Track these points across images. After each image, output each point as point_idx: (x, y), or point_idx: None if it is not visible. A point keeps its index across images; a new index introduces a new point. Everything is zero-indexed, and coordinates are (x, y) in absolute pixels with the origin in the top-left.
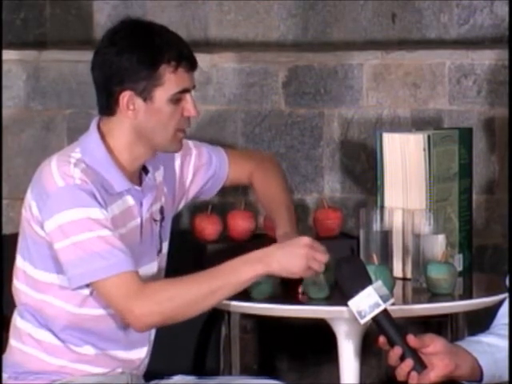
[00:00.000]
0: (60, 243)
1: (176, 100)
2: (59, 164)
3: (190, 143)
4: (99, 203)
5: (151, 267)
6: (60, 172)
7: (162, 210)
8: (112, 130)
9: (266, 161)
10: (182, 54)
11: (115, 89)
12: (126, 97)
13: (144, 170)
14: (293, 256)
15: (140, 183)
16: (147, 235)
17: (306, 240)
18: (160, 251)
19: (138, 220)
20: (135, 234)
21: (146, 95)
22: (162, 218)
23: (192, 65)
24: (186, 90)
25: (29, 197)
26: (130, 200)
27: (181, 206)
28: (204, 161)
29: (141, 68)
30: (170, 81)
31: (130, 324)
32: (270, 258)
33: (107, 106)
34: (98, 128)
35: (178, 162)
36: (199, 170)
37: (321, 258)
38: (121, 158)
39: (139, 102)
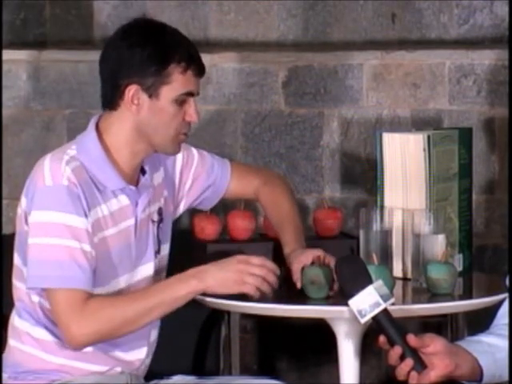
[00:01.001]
0: (31, 239)
1: (180, 102)
2: (52, 161)
3: (194, 149)
4: (83, 209)
5: (148, 268)
6: (51, 170)
7: (160, 212)
8: (111, 125)
9: (275, 178)
10: (193, 57)
11: (122, 81)
12: (132, 90)
13: (142, 171)
14: (227, 271)
15: (137, 184)
16: (143, 235)
17: (239, 256)
18: (158, 252)
19: (133, 220)
20: (128, 234)
21: (152, 91)
22: (161, 220)
23: (200, 70)
24: (191, 94)
25: (23, 192)
26: (124, 199)
27: (180, 210)
28: (205, 168)
29: (151, 64)
30: (178, 81)
31: (66, 341)
32: (205, 274)
33: (111, 99)
34: (97, 127)
35: (178, 166)
36: (199, 176)
37: (258, 272)
38: (118, 156)
39: (144, 97)
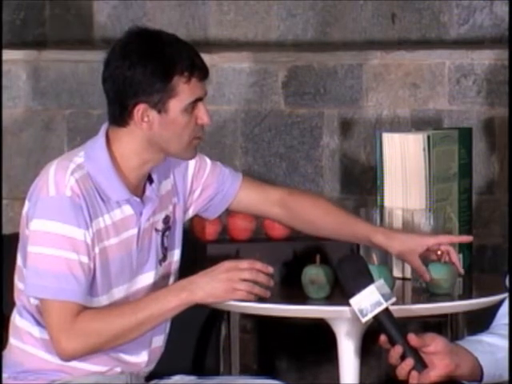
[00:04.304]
0: (31, 247)
1: (190, 109)
2: (57, 170)
3: (208, 159)
4: (84, 220)
5: (148, 277)
6: (55, 179)
7: (167, 220)
8: (122, 137)
9: (307, 190)
10: (195, 64)
11: (129, 102)
12: (140, 110)
13: (149, 179)
14: (215, 281)
15: (143, 193)
16: (145, 245)
17: (227, 264)
18: (164, 260)
19: (136, 230)
20: (130, 244)
21: (160, 107)
22: (168, 228)
23: (205, 74)
24: (199, 99)
25: (28, 195)
26: (129, 209)
27: (188, 216)
28: (216, 177)
29: (155, 81)
30: (184, 91)
31: (56, 352)
32: (194, 286)
33: (120, 118)
34: (107, 134)
35: (190, 174)
36: (209, 185)
37: (248, 276)
38: (126, 166)
39: (153, 114)
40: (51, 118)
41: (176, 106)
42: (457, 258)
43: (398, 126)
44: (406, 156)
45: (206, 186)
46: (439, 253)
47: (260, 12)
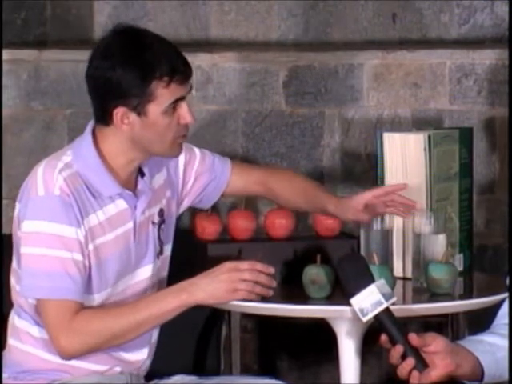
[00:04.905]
0: (24, 248)
1: (171, 110)
2: (45, 169)
3: (196, 149)
4: (75, 218)
5: (147, 270)
6: (44, 179)
7: (161, 213)
8: (107, 136)
9: (281, 168)
10: (175, 68)
11: (109, 104)
12: (119, 113)
13: (141, 173)
14: (216, 282)
15: (135, 187)
16: (142, 238)
17: (228, 265)
18: (161, 253)
19: (131, 223)
20: (127, 238)
21: (139, 110)
22: (162, 221)
23: (186, 77)
24: (180, 99)
25: (18, 197)
26: (122, 203)
27: (183, 207)
28: (207, 165)
29: (133, 85)
30: (163, 96)
31: (56, 351)
32: (195, 287)
33: (102, 118)
34: (93, 132)
35: (181, 165)
36: (202, 174)
37: (249, 277)
38: (114, 163)
39: (133, 116)
40: (52, 118)
41: (155, 109)
42: (404, 199)
43: (398, 125)
44: (406, 156)
45: (198, 176)
46: (381, 208)
47: (261, 12)
